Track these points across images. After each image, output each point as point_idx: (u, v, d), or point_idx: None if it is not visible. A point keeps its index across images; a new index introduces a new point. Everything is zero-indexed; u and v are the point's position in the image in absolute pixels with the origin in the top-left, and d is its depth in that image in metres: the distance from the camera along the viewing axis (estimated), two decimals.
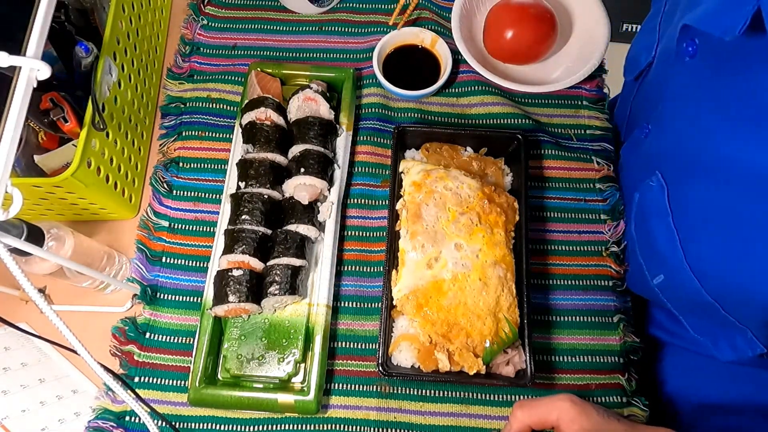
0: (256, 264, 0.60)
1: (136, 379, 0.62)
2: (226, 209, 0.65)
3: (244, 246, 0.60)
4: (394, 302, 0.59)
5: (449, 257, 0.58)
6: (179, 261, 0.67)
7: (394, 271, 0.60)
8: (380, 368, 0.57)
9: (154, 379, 0.62)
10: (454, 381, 0.59)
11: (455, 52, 0.74)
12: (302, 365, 0.61)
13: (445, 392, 0.61)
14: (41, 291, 0.36)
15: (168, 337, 0.64)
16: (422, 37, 0.75)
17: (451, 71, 0.72)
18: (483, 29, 0.76)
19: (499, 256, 0.59)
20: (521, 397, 0.61)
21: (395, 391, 0.61)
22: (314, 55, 0.79)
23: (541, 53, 0.74)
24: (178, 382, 0.62)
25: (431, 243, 0.59)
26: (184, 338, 0.64)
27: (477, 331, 0.56)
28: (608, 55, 0.73)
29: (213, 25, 0.80)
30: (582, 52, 0.74)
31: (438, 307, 0.57)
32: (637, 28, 1.78)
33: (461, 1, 0.75)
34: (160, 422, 0.46)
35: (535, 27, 0.71)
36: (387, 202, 0.67)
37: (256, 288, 0.59)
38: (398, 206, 0.63)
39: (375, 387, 0.62)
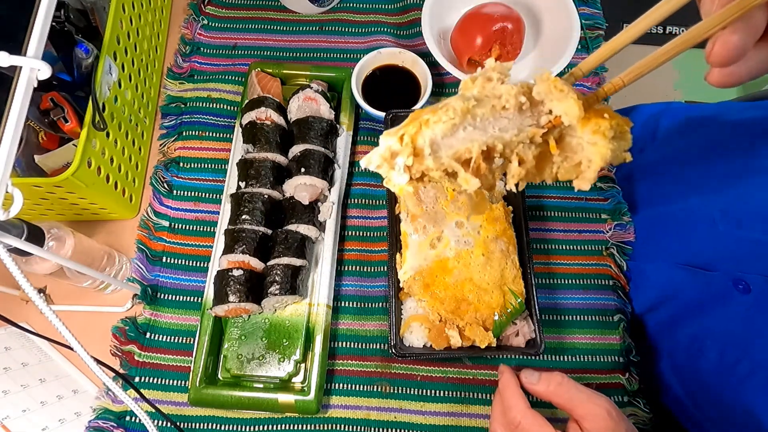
0: (257, 264, 0.60)
1: (137, 379, 0.62)
2: (226, 209, 0.65)
3: (244, 246, 0.60)
4: (401, 284, 0.59)
5: (451, 236, 0.59)
6: (179, 261, 0.67)
7: (398, 255, 0.60)
8: (392, 350, 0.57)
9: (155, 379, 0.62)
10: (468, 355, 0.60)
11: (434, 65, 0.71)
12: (302, 365, 0.61)
13: (445, 392, 0.62)
14: (41, 291, 0.36)
15: (168, 337, 0.64)
16: (402, 57, 0.72)
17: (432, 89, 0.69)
18: (451, 39, 0.74)
19: (499, 230, 0.60)
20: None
21: (395, 391, 0.61)
22: (314, 55, 0.79)
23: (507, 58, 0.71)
24: (179, 382, 0.62)
25: (432, 224, 0.60)
26: (185, 338, 0.64)
27: (485, 305, 0.57)
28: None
29: (213, 25, 0.80)
30: (553, 52, 0.71)
31: (444, 285, 0.57)
32: None
33: (430, 3, 0.73)
34: (163, 422, 0.46)
35: (496, 35, 0.69)
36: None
37: (256, 288, 0.59)
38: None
39: (375, 387, 0.62)
